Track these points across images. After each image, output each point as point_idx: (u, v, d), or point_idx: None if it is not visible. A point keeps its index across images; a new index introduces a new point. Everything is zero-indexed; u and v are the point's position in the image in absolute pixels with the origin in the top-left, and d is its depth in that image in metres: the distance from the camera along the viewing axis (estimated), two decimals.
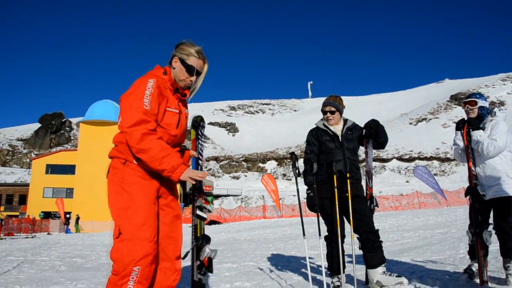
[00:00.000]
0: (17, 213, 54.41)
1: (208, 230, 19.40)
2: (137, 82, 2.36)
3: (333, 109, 3.82)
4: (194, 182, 2.32)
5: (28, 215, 42.60)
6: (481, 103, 3.73)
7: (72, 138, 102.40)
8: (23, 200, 59.65)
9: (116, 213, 2.27)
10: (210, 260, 2.42)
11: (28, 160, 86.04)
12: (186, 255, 2.46)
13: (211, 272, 2.43)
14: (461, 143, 3.80)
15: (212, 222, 29.12)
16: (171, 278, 2.36)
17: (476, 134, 3.63)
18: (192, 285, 2.40)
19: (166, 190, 2.43)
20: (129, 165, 2.31)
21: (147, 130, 2.21)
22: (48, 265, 7.28)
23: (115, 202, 2.28)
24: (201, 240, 2.45)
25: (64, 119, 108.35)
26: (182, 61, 2.48)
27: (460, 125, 3.83)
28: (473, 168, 3.68)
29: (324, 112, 3.87)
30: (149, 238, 2.23)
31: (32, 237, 25.51)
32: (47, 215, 44.09)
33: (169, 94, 2.42)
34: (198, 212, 2.49)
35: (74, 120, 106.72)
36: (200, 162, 2.69)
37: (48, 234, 31.64)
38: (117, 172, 2.31)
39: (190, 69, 2.47)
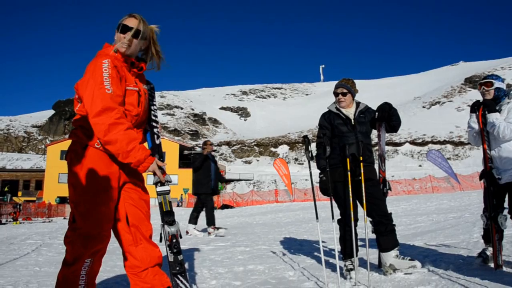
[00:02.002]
0: (34, 198, 55.66)
1: (221, 214, 19.59)
2: (91, 67, 2.21)
3: (345, 91, 3.78)
4: (160, 175, 2.29)
5: (44, 200, 43.55)
6: (497, 84, 3.64)
7: None
8: (39, 185, 60.96)
9: (72, 199, 2.22)
10: (173, 237, 2.39)
11: (43, 146, 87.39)
12: (161, 239, 2.43)
13: (174, 249, 2.38)
14: (476, 126, 3.72)
15: (225, 206, 29.49)
16: (154, 253, 2.34)
17: (492, 117, 3.55)
18: (169, 267, 2.41)
19: (130, 171, 2.34)
20: (91, 150, 2.22)
21: (114, 120, 2.09)
22: (65, 248, 7.43)
23: (72, 189, 2.21)
24: (164, 219, 2.43)
25: None
26: (117, 27, 2.38)
27: (475, 107, 3.75)
28: (488, 151, 3.62)
29: (336, 94, 3.84)
30: (101, 232, 2.23)
31: (49, 221, 26.13)
32: (63, 200, 44.99)
33: (126, 71, 2.32)
34: (159, 189, 2.42)
35: None
36: (155, 130, 2.57)
37: (64, 218, 32.27)
38: (78, 156, 2.22)
39: (119, 27, 2.35)
